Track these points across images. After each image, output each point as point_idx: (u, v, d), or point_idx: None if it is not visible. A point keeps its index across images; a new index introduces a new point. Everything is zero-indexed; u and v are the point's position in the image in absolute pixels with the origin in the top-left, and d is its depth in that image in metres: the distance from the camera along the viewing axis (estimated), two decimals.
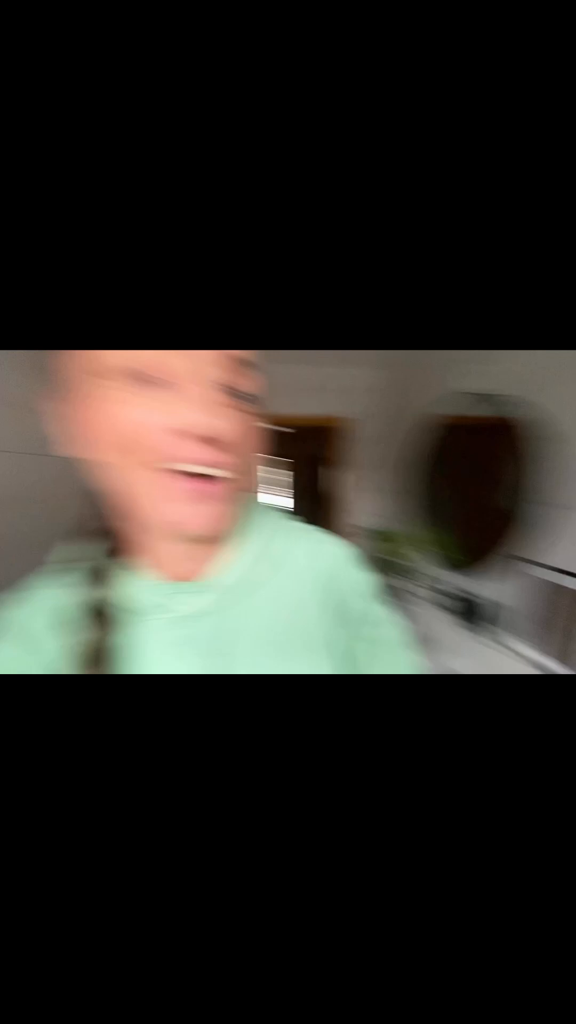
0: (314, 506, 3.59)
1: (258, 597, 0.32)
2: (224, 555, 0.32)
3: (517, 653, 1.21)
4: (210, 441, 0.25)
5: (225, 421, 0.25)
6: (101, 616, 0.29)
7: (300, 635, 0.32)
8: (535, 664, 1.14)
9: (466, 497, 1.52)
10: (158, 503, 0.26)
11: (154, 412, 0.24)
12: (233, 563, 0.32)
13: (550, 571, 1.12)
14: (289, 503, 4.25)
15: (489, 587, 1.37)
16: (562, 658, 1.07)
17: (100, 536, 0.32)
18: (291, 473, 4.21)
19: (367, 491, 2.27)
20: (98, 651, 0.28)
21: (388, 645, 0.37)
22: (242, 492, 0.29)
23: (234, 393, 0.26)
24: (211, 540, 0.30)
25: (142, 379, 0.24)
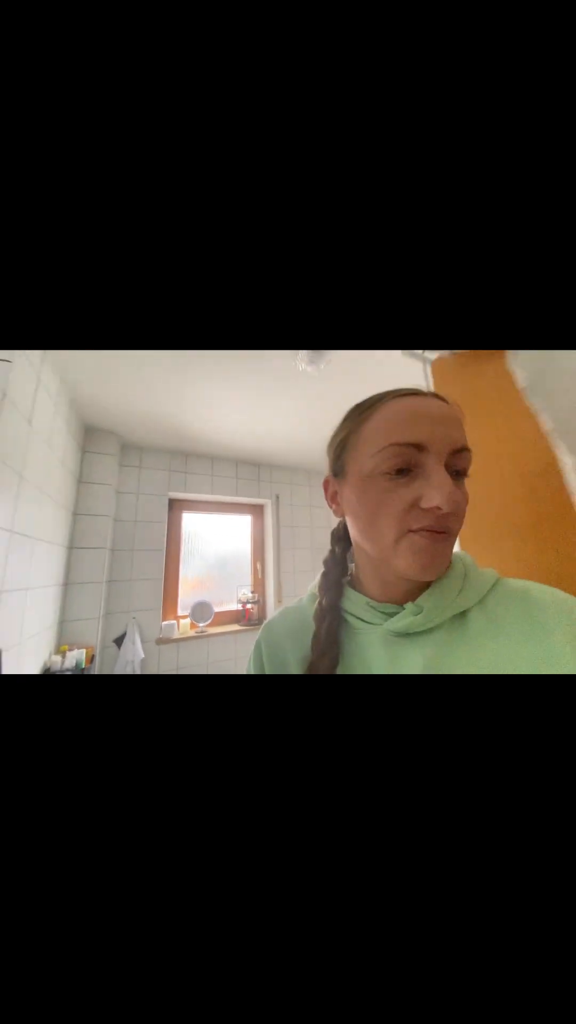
0: None
1: (459, 625, 0.36)
2: (429, 587, 0.39)
3: None
4: (443, 513, 0.32)
5: (453, 498, 0.31)
6: (335, 619, 0.40)
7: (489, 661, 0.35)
8: None
9: None
10: (401, 556, 0.34)
11: (410, 495, 0.33)
12: (435, 593, 0.37)
13: None
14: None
15: None
16: None
17: (341, 567, 0.45)
18: None
19: None
20: (330, 646, 0.38)
21: None
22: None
23: (457, 473, 0.34)
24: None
25: (402, 472, 0.33)
